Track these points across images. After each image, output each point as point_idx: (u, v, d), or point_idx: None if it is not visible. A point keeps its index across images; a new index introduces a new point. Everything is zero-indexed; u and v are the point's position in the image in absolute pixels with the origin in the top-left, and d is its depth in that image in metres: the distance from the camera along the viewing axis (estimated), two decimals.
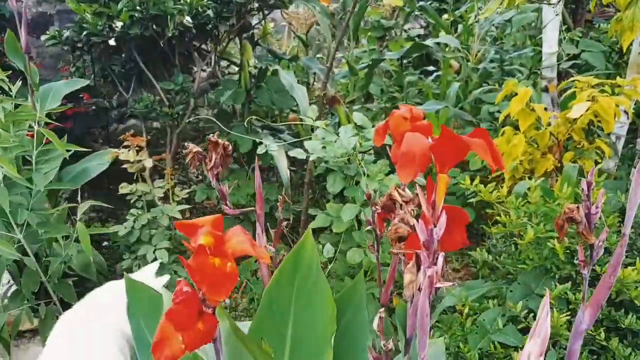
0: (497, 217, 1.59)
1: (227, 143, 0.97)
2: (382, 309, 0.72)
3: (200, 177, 3.66)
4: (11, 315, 1.80)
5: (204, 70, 3.90)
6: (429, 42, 2.54)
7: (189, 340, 0.69)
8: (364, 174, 1.76)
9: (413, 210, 1.00)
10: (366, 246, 1.81)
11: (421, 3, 3.51)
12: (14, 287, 1.88)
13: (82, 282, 2.21)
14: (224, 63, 3.53)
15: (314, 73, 3.11)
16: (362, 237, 1.85)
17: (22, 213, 1.80)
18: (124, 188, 1.86)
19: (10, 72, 2.00)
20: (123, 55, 2.75)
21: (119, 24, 2.21)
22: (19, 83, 1.80)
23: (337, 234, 2.05)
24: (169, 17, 2.15)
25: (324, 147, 1.80)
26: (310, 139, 2.01)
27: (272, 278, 1.00)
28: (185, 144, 0.99)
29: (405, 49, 2.71)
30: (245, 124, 2.69)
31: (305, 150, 1.97)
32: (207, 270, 0.67)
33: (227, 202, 1.00)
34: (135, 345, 1.23)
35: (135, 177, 1.91)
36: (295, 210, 2.86)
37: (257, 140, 2.53)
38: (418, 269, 0.73)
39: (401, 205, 1.00)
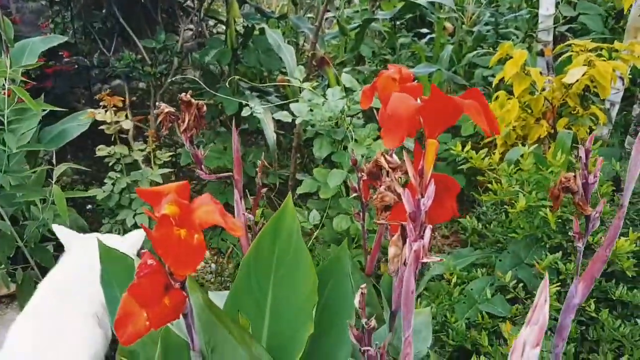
0: (489, 185, 1.53)
1: (201, 103, 0.90)
2: (364, 285, 0.67)
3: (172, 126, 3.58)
4: None
5: (190, 30, 3.77)
6: (422, 1, 2.44)
7: (154, 316, 0.64)
8: (352, 139, 1.69)
9: (400, 177, 0.95)
10: (353, 213, 1.76)
11: None
12: None
13: (62, 246, 2.15)
14: (211, 22, 3.41)
15: (304, 33, 3.01)
16: (349, 203, 1.80)
17: None
18: (101, 150, 1.79)
19: None
20: (104, 11, 2.63)
21: None
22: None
23: (324, 200, 1.99)
24: None
25: (310, 110, 1.73)
26: (297, 101, 1.94)
27: (250, 247, 0.94)
28: (157, 103, 0.92)
29: (397, 9, 2.61)
30: (229, 84, 2.59)
31: (292, 113, 1.89)
32: (171, 242, 0.61)
33: (202, 166, 0.94)
34: (110, 315, 1.19)
35: (113, 139, 1.83)
36: (283, 174, 2.80)
37: (244, 102, 2.45)
38: (404, 242, 0.67)
39: (388, 172, 0.94)
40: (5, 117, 1.68)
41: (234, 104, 2.56)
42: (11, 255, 1.75)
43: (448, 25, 3.59)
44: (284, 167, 2.91)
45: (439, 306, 1.51)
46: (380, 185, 0.94)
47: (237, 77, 2.53)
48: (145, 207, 1.79)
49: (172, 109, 0.90)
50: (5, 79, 1.63)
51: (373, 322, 0.66)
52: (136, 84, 3.87)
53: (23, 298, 1.80)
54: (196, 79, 2.50)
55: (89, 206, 2.87)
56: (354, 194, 1.12)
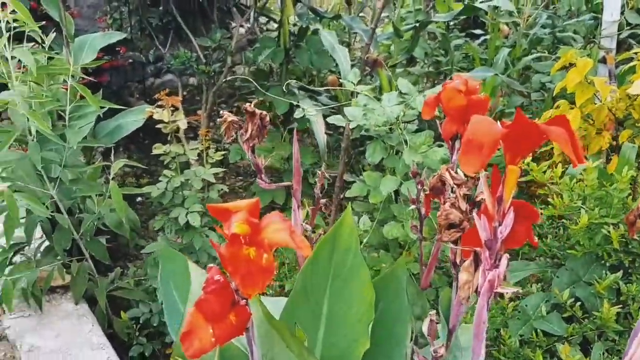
0: (549, 199, 1.48)
1: (264, 113, 0.89)
2: (433, 312, 0.65)
3: (235, 136, 3.62)
4: (43, 271, 1.79)
5: (242, 26, 3.80)
6: (481, 4, 2.38)
7: (220, 332, 0.64)
8: (406, 145, 1.67)
9: (466, 194, 0.92)
10: (405, 220, 1.74)
11: None
12: (46, 243, 1.87)
13: (115, 238, 2.20)
14: (262, 19, 3.43)
15: (355, 33, 2.98)
16: (400, 210, 1.77)
17: (55, 169, 1.78)
18: (157, 149, 1.81)
19: (44, 22, 1.94)
20: (160, 8, 2.67)
21: None
22: (52, 34, 1.74)
23: (371, 202, 1.97)
24: None
25: (364, 115, 1.71)
26: (350, 104, 1.92)
27: (307, 259, 0.94)
28: (221, 112, 0.92)
29: (454, 12, 2.56)
30: (283, 87, 2.60)
31: (345, 117, 1.88)
32: (241, 261, 0.60)
33: (263, 176, 0.93)
34: (165, 310, 1.20)
35: (169, 136, 1.86)
36: (329, 174, 2.79)
37: (294, 103, 2.45)
38: (476, 269, 0.65)
39: (452, 188, 0.92)
40: (67, 113, 1.72)
41: (284, 103, 2.56)
42: (67, 248, 1.80)
43: (503, 27, 3.51)
44: (329, 166, 2.90)
45: (491, 321, 1.47)
46: (444, 201, 0.92)
47: (291, 78, 2.53)
48: (197, 205, 1.81)
49: (235, 118, 0.90)
50: (69, 76, 1.66)
51: (442, 351, 0.64)
52: (187, 79, 3.92)
53: (77, 289, 1.85)
54: (248, 77, 2.51)
55: (139, 198, 2.93)
56: (412, 206, 1.10)
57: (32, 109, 1.60)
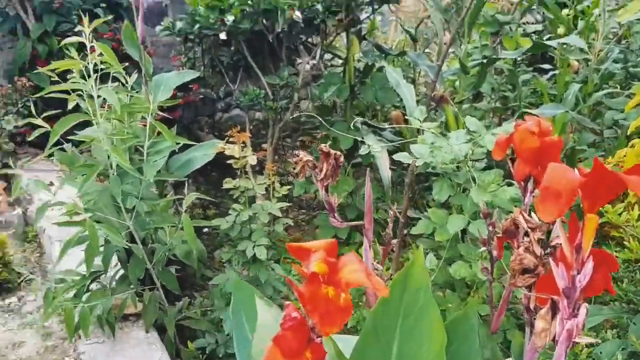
0: (625, 242, 1.43)
1: (338, 153, 0.92)
2: None
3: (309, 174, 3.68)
4: (117, 299, 1.87)
5: (307, 63, 3.90)
6: (553, 42, 2.36)
7: None
8: (475, 183, 1.65)
9: (540, 238, 0.91)
10: (472, 260, 1.71)
11: None
12: (121, 272, 1.96)
13: (182, 268, 2.28)
14: (326, 55, 3.51)
15: (420, 68, 3.00)
16: (468, 250, 1.75)
17: (131, 201, 1.87)
18: (227, 183, 1.88)
19: (127, 63, 2.07)
20: (232, 48, 2.79)
21: (230, 18, 2.23)
22: (135, 75, 1.86)
23: (436, 239, 1.96)
24: (279, 11, 2.14)
25: (431, 152, 1.71)
26: (415, 141, 1.93)
27: (378, 299, 0.94)
28: (296, 152, 0.96)
29: (523, 49, 2.54)
30: (349, 123, 2.65)
31: (411, 154, 1.89)
32: (319, 300, 0.62)
33: (335, 215, 0.95)
34: (235, 341, 1.23)
35: (239, 171, 1.92)
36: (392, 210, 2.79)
37: (359, 138, 2.48)
38: (553, 317, 0.64)
39: (526, 232, 0.91)
40: (145, 149, 1.81)
41: (349, 139, 2.60)
42: (141, 277, 1.87)
43: (573, 62, 3.44)
44: (393, 201, 2.90)
45: None
46: (518, 245, 0.91)
47: (353, 112, 2.57)
48: (264, 239, 1.85)
49: (310, 158, 0.93)
50: (148, 114, 1.76)
51: None
52: (253, 113, 4.05)
53: (148, 318, 1.92)
54: (314, 115, 2.56)
55: (205, 229, 3.01)
56: (483, 248, 1.09)
57: (114, 145, 1.71)
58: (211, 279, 2.71)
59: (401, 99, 2.74)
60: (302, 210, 3.43)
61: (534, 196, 1.00)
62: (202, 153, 2.42)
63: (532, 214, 0.93)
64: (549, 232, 0.94)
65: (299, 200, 3.38)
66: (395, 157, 1.77)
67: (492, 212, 1.13)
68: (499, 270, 1.59)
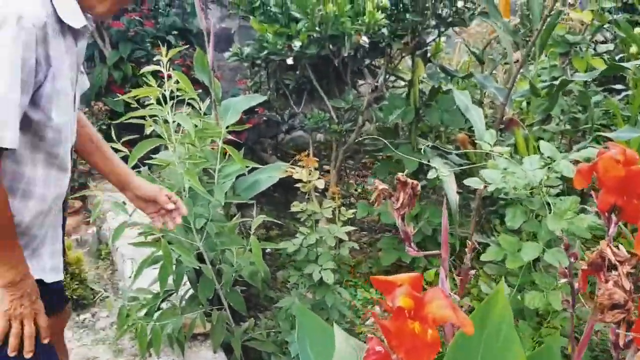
0: None
1: (415, 182, 0.91)
2: None
3: (360, 192, 3.67)
4: (187, 319, 1.91)
5: (370, 85, 3.91)
6: (629, 64, 2.27)
7: None
8: (550, 210, 1.60)
9: (629, 272, 0.87)
10: (547, 289, 1.65)
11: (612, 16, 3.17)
12: (190, 292, 2.00)
13: (246, 288, 2.31)
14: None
15: (486, 89, 2.95)
16: (542, 279, 1.69)
17: (201, 222, 1.91)
18: (295, 207, 1.89)
19: (200, 90, 2.14)
20: (297, 72, 2.83)
21: (297, 44, 2.27)
22: (208, 100, 1.91)
23: (504, 265, 1.90)
24: (345, 36, 2.17)
25: (503, 178, 1.67)
26: (484, 165, 1.89)
27: (456, 333, 0.92)
28: (373, 180, 0.95)
29: (596, 72, 2.45)
30: (413, 146, 2.63)
31: (481, 178, 1.85)
32: (405, 335, 0.61)
33: (412, 244, 0.94)
34: None
35: (306, 194, 1.93)
36: (458, 234, 2.73)
37: (425, 162, 2.46)
38: None
39: (615, 265, 0.87)
40: (217, 172, 1.86)
41: (414, 162, 2.58)
42: (210, 297, 1.91)
43: None
44: (459, 225, 2.84)
45: None
46: (605, 279, 0.87)
47: (418, 135, 2.55)
48: (330, 263, 1.84)
49: (385, 186, 0.93)
50: (220, 138, 1.81)
51: None
52: (315, 135, 4.08)
53: (216, 338, 1.95)
54: (376, 136, 2.56)
55: (268, 249, 3.04)
56: (563, 279, 1.04)
57: (187, 168, 1.76)
58: (274, 299, 2.73)
59: (467, 121, 2.71)
60: (364, 233, 3.41)
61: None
62: (267, 175, 2.47)
63: (621, 247, 0.89)
64: None
65: (360, 222, 3.36)
66: (467, 182, 1.73)
67: (574, 242, 1.09)
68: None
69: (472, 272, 0.97)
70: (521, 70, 3.00)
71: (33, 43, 1.04)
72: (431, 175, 1.95)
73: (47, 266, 1.27)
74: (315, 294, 1.87)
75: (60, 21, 1.13)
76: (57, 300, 1.45)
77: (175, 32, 3.72)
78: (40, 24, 1.06)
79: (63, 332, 1.73)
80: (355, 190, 3.64)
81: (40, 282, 1.22)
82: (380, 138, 2.59)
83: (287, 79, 3.03)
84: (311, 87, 2.88)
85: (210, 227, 1.89)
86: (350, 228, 1.93)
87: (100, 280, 2.64)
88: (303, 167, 1.81)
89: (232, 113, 2.48)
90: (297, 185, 2.02)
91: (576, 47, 3.26)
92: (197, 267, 1.83)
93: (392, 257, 2.84)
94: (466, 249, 1.00)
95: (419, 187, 0.92)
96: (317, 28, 2.19)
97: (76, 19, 1.15)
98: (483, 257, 1.89)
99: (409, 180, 0.91)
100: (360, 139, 2.94)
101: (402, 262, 2.85)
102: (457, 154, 2.90)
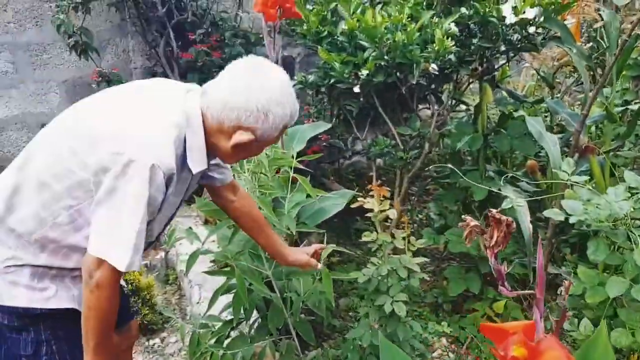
0: None
1: (510, 220, 0.88)
2: None
3: (424, 219, 3.61)
4: (257, 347, 1.91)
5: (429, 108, 3.86)
6: None
7: None
8: (636, 244, 1.52)
9: None
10: (635, 327, 1.56)
11: None
12: (259, 320, 2.00)
13: (311, 316, 2.29)
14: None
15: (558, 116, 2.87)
16: (629, 315, 1.60)
17: None
18: (366, 236, 1.87)
19: None
20: (361, 98, 2.83)
21: (364, 72, 2.27)
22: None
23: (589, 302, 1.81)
24: (414, 64, 2.15)
25: (585, 208, 1.60)
26: (557, 194, 1.83)
27: None
28: (464, 216, 0.93)
29: None
30: (481, 173, 2.57)
31: (558, 208, 1.78)
32: None
33: (505, 283, 0.91)
34: None
35: (375, 225, 1.91)
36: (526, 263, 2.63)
37: (495, 190, 2.39)
38: None
39: None
40: (287, 201, 1.87)
41: (483, 190, 2.52)
42: (280, 327, 1.90)
43: None
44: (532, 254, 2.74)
45: None
46: None
47: (486, 163, 2.49)
48: (402, 295, 1.81)
49: (477, 223, 0.90)
50: (291, 167, 1.82)
51: None
52: (374, 160, 4.06)
53: None
54: (443, 164, 2.52)
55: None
56: None
57: (258, 197, 1.77)
58: (336, 327, 2.70)
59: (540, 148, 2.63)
60: (427, 260, 3.34)
61: None
62: (332, 203, 2.46)
63: None
64: None
65: (423, 250, 3.30)
66: (546, 214, 1.67)
67: None
68: None
69: (570, 314, 0.92)
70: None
71: (162, 186, 1.21)
72: (506, 204, 1.89)
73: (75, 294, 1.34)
74: (387, 326, 1.84)
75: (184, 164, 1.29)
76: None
77: None
78: (170, 172, 1.22)
79: (131, 352, 1.76)
80: (417, 216, 3.58)
81: None
82: (447, 165, 2.55)
83: (350, 105, 3.04)
84: (374, 114, 2.87)
85: None
86: (422, 259, 1.89)
87: (168, 305, 2.69)
88: (373, 195, 1.79)
89: (299, 141, 2.50)
90: (355, 209, 2.00)
91: None
92: (268, 296, 1.83)
93: (460, 287, 2.76)
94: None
95: (513, 225, 0.89)
96: (385, 57, 2.18)
97: (198, 167, 1.31)
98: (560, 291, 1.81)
99: (503, 217, 0.88)
100: (426, 165, 2.90)
101: (470, 292, 2.77)
102: (526, 181, 2.82)
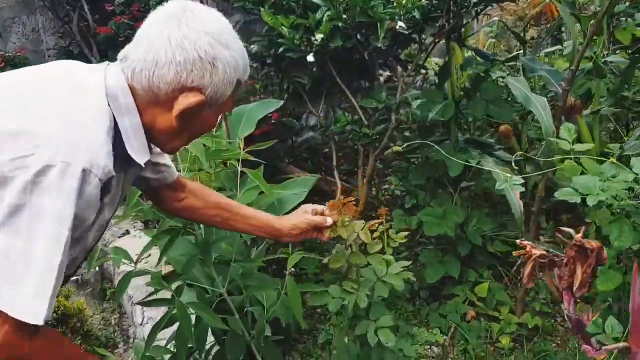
0: None
1: (600, 246, 0.55)
2: None
3: (388, 195, 3.30)
4: None
5: (385, 75, 3.53)
6: None
7: None
8: None
9: None
10: None
11: None
12: (216, 347, 1.65)
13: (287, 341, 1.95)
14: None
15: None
16: None
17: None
18: (332, 263, 1.48)
19: None
20: (314, 69, 2.46)
21: (318, 36, 1.90)
22: (219, 117, 1.55)
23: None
24: (378, 24, 1.80)
25: (602, 186, 1.31)
26: (552, 162, 1.56)
27: None
28: (520, 242, 0.59)
29: None
30: (453, 143, 2.27)
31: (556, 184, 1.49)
32: None
33: (591, 340, 0.58)
34: None
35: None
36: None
37: (473, 163, 2.10)
38: None
39: None
40: (238, 200, 1.51)
41: (459, 164, 2.22)
42: (241, 358, 1.55)
43: None
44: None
45: None
46: None
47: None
48: (387, 318, 1.47)
49: (543, 252, 0.57)
50: (239, 160, 1.45)
51: None
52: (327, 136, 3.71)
53: None
54: (429, 143, 2.17)
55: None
56: None
57: None
58: (305, 329, 2.38)
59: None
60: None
61: None
62: (292, 193, 2.10)
63: None
64: None
65: None
66: (558, 195, 1.36)
67: None
68: None
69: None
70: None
71: (96, 198, 0.89)
72: (499, 186, 1.59)
73: None
74: (371, 356, 1.50)
75: (123, 157, 0.96)
76: None
77: None
78: (108, 176, 0.89)
79: None
80: (383, 196, 3.25)
81: None
82: (411, 137, 2.23)
83: (301, 78, 2.66)
84: (330, 85, 2.52)
85: (235, 270, 1.54)
86: (405, 263, 1.56)
87: (107, 326, 2.28)
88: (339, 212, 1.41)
89: (246, 124, 2.12)
90: (317, 197, 1.65)
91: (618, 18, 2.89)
92: (223, 327, 1.47)
93: (438, 273, 2.49)
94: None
95: (604, 254, 0.56)
96: (343, 16, 1.82)
97: (143, 156, 0.98)
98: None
99: (591, 244, 0.55)
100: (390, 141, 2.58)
101: (451, 277, 2.50)
102: (500, 148, 2.54)
